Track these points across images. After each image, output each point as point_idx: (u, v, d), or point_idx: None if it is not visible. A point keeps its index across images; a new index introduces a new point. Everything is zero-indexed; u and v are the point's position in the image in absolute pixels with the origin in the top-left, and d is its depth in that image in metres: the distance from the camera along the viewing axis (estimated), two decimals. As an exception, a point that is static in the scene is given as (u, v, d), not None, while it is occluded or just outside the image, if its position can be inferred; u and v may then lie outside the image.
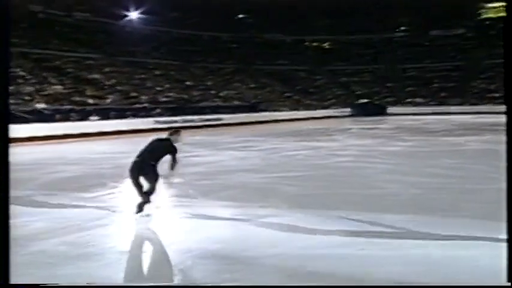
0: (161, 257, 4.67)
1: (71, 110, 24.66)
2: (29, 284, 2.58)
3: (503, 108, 2.26)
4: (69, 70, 33.18)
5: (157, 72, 39.73)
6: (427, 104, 44.93)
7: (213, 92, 39.57)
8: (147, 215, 5.84)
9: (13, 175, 1.97)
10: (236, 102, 38.06)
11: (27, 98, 25.18)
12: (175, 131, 6.11)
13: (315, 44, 57.87)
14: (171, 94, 35.37)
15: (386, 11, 51.28)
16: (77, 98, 27.94)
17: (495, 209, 4.54)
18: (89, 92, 29.83)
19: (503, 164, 2.16)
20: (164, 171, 5.84)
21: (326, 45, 58.24)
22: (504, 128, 2.16)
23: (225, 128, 27.71)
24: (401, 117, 36.71)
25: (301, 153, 13.42)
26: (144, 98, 32.09)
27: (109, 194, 7.66)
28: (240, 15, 55.00)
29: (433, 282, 3.68)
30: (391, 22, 54.78)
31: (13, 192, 2.02)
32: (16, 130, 16.83)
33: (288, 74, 50.23)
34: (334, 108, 42.90)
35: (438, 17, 52.15)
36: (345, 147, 14.99)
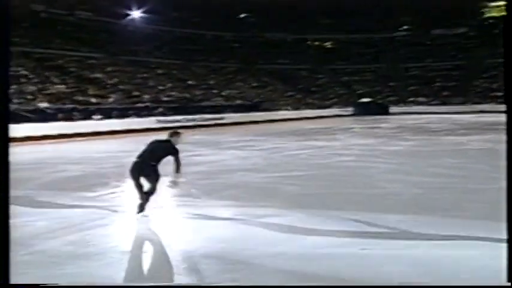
0: (162, 257, 4.66)
1: (73, 109, 24.75)
2: (29, 284, 2.57)
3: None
4: (71, 69, 33.27)
5: (159, 72, 39.79)
6: (429, 103, 44.88)
7: (215, 91, 39.60)
8: (147, 215, 5.84)
9: (13, 175, 1.96)
10: (238, 102, 38.08)
11: (29, 97, 25.25)
12: (175, 132, 6.04)
13: (316, 43, 57.86)
14: (173, 93, 35.42)
15: (389, 10, 51.24)
16: (80, 97, 28.01)
17: (497, 209, 4.52)
18: (91, 91, 29.90)
19: (505, 163, 2.15)
20: (169, 173, 5.81)
21: (328, 44, 58.23)
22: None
23: (227, 127, 27.72)
24: (403, 117, 36.68)
25: (303, 153, 13.40)
26: (146, 97, 32.14)
27: (110, 193, 7.65)
28: (242, 15, 55.05)
29: (433, 282, 3.67)
30: (393, 21, 54.72)
31: (13, 192, 2.01)
32: (17, 129, 16.85)
33: (289, 73, 50.22)
34: (336, 108, 42.90)
35: (440, 16, 52.08)
36: (347, 147, 14.96)
